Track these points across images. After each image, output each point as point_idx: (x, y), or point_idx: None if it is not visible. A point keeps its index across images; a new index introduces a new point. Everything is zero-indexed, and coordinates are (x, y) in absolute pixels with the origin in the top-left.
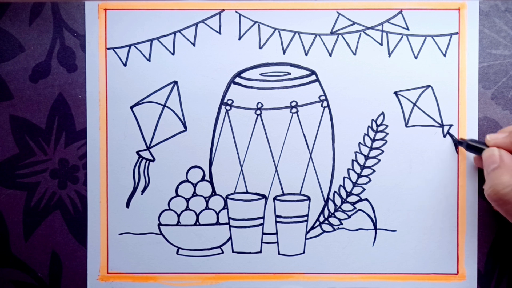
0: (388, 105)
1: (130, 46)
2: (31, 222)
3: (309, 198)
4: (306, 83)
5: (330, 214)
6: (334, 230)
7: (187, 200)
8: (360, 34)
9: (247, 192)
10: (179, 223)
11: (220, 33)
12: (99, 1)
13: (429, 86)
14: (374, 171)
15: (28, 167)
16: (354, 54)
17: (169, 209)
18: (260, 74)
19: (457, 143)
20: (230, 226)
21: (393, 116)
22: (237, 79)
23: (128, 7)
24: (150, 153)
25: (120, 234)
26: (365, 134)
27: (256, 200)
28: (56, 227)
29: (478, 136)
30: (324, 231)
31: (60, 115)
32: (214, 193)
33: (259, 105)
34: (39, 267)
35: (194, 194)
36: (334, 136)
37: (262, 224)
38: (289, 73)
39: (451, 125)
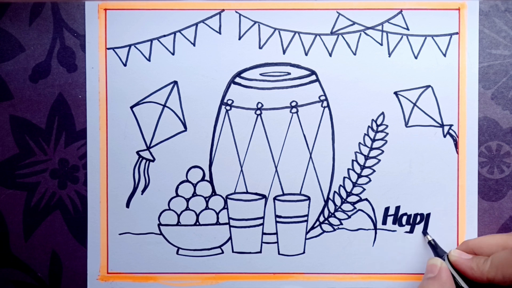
0: (388, 105)
1: (130, 46)
2: (31, 222)
3: (309, 198)
4: (306, 83)
5: (330, 214)
6: (334, 230)
7: (187, 200)
8: (360, 34)
9: (247, 192)
10: (179, 223)
11: (220, 33)
12: (99, 1)
13: (429, 86)
14: (374, 171)
15: (28, 167)
16: (354, 54)
17: (169, 209)
18: (260, 74)
19: (423, 233)
20: (230, 226)
21: (393, 116)
22: (237, 79)
23: (128, 7)
24: (150, 153)
25: (120, 234)
26: (365, 134)
27: (256, 200)
28: (56, 227)
29: (478, 136)
30: (324, 231)
31: (60, 115)
32: (214, 193)
33: (259, 105)
34: (39, 267)
35: (194, 194)
36: (334, 136)
37: (262, 224)
38: (289, 73)
39: (451, 125)
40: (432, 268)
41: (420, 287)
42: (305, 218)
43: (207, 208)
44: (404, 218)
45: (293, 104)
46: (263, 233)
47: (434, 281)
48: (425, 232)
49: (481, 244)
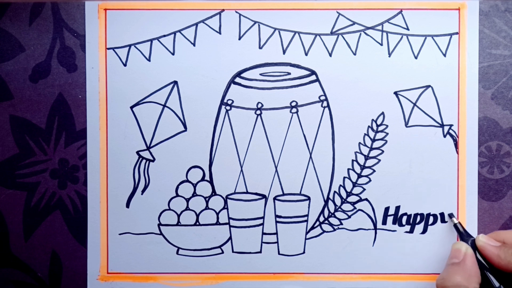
0: (388, 105)
1: (130, 46)
2: (31, 222)
3: (309, 198)
4: (306, 83)
5: (330, 214)
6: (334, 230)
7: (187, 200)
8: (360, 34)
9: (247, 192)
10: (179, 223)
11: (220, 33)
12: (99, 1)
13: (429, 86)
14: (374, 171)
15: (28, 167)
16: (354, 54)
17: (169, 209)
18: (260, 74)
19: (450, 215)
20: (230, 226)
21: (393, 116)
22: (237, 79)
23: (128, 7)
24: (150, 153)
25: (120, 234)
26: (365, 134)
27: (256, 200)
28: (56, 227)
29: (478, 136)
30: (324, 231)
31: (60, 115)
32: (214, 193)
33: (259, 105)
34: (39, 267)
35: (194, 194)
36: (334, 136)
37: (262, 224)
38: (289, 73)
39: (451, 125)
40: (456, 253)
41: (444, 272)
42: (305, 218)
43: (207, 208)
44: (404, 218)
45: (293, 104)
46: (263, 233)
47: (458, 267)
48: (451, 215)
49: None
